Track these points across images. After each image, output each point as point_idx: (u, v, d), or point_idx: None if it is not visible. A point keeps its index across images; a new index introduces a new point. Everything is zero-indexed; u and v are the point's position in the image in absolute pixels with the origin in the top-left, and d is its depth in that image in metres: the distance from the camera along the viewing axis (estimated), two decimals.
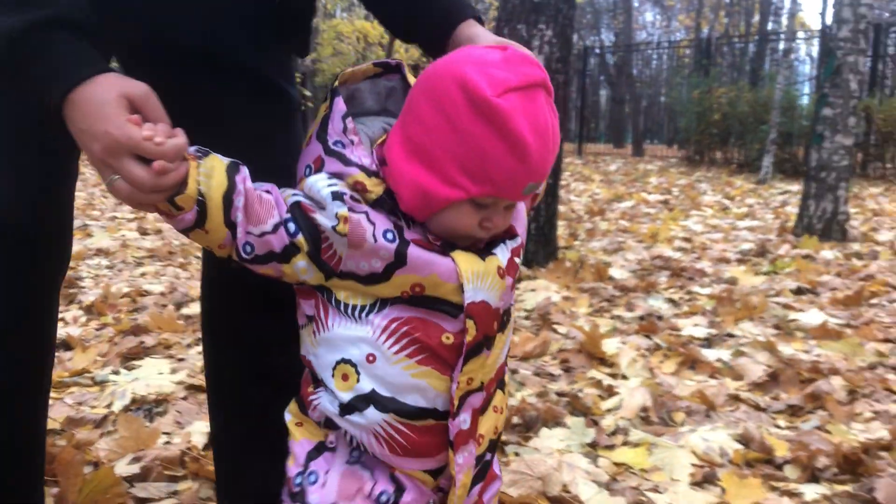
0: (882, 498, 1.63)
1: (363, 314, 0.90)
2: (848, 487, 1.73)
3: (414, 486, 0.97)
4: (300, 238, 0.88)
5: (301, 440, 0.99)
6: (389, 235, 0.88)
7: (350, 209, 0.87)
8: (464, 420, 0.94)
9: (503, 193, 0.87)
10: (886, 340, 2.90)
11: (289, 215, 0.89)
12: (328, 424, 0.96)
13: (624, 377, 2.47)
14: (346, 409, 0.92)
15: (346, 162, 0.89)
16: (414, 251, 0.88)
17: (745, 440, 1.97)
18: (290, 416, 1.01)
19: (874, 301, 3.50)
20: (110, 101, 0.80)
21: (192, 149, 0.87)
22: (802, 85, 16.38)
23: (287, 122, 1.14)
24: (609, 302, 3.51)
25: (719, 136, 12.92)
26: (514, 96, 0.82)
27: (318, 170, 0.91)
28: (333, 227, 0.86)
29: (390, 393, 0.91)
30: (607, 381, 2.40)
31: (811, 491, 1.71)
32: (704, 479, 1.78)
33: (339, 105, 0.91)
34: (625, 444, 1.98)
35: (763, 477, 1.78)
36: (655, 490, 1.73)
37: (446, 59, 0.88)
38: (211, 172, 0.86)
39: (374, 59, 1.00)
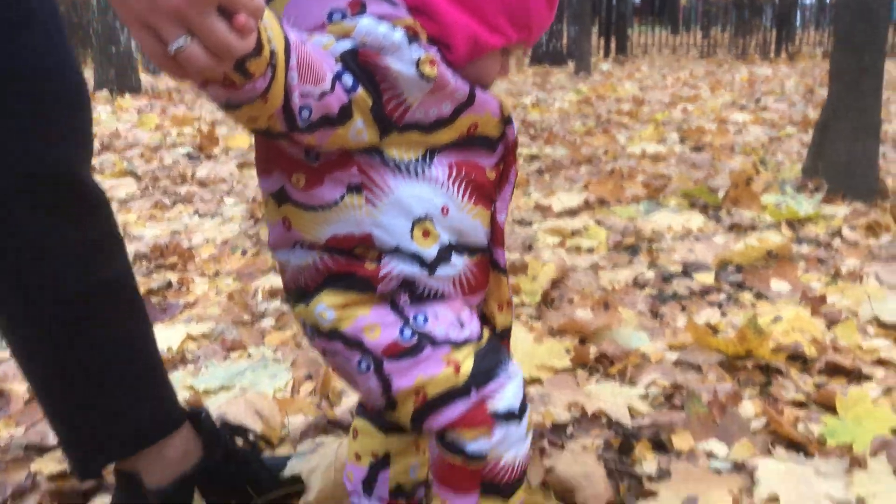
0: None
1: (419, 168, 0.86)
2: None
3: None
4: (360, 92, 0.78)
5: (374, 308, 0.88)
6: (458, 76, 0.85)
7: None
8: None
9: (532, 40, 0.88)
10: None
11: (340, 66, 0.77)
12: (391, 295, 0.89)
13: None
14: (436, 263, 0.88)
15: (393, 3, 0.81)
16: (475, 89, 0.86)
17: None
18: (328, 307, 0.88)
19: None
20: None
21: None
22: None
23: None
24: None
25: None
26: None
27: (359, 13, 0.80)
28: (419, 72, 0.80)
29: (457, 238, 0.90)
30: None
31: None
32: None
33: None
34: None
35: None
36: None
37: None
38: (270, 25, 0.69)
39: None
